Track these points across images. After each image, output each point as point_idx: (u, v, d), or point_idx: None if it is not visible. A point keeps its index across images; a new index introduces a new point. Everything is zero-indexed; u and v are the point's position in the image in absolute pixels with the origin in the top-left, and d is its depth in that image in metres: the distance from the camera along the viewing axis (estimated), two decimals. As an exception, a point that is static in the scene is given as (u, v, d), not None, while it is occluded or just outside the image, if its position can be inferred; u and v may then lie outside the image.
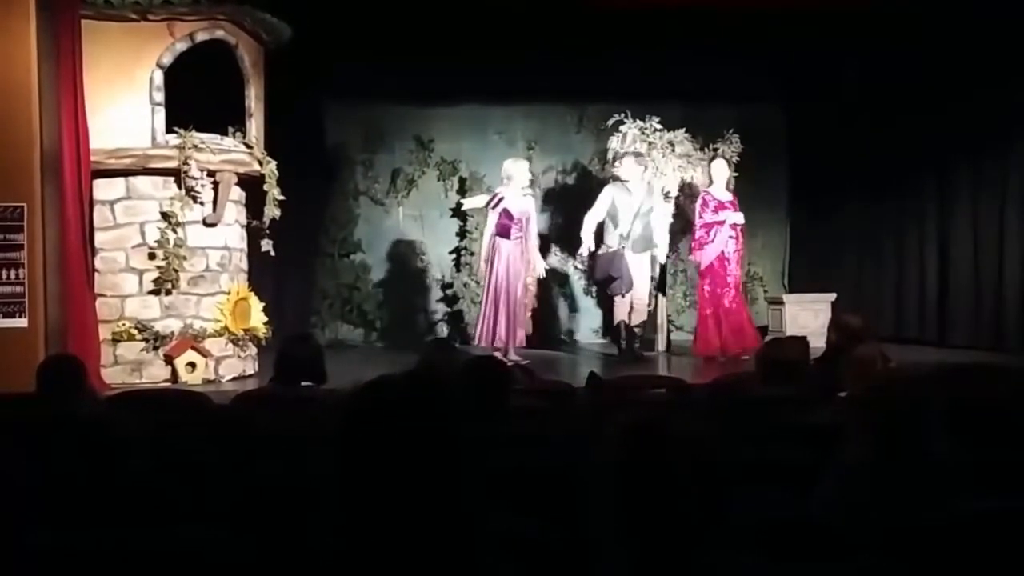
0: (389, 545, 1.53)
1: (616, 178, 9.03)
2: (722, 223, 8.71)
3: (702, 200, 8.84)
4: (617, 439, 1.72)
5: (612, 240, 8.78)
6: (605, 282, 8.92)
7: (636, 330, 8.99)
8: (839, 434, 2.72)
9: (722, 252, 8.73)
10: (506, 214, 8.26)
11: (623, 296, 8.78)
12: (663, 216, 9.21)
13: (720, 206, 8.76)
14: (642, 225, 8.81)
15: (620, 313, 8.85)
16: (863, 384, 3.73)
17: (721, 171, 8.90)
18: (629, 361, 8.68)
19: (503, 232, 8.28)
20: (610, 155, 9.86)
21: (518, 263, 8.33)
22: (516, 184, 8.36)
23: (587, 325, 11.47)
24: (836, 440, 2.72)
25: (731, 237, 8.77)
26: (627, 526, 1.66)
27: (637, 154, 9.04)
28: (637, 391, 5.09)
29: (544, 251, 11.24)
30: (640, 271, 8.86)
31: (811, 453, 2.91)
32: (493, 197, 8.50)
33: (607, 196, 8.86)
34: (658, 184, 9.27)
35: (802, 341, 4.82)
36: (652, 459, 1.67)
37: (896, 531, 2.27)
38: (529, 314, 8.67)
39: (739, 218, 8.78)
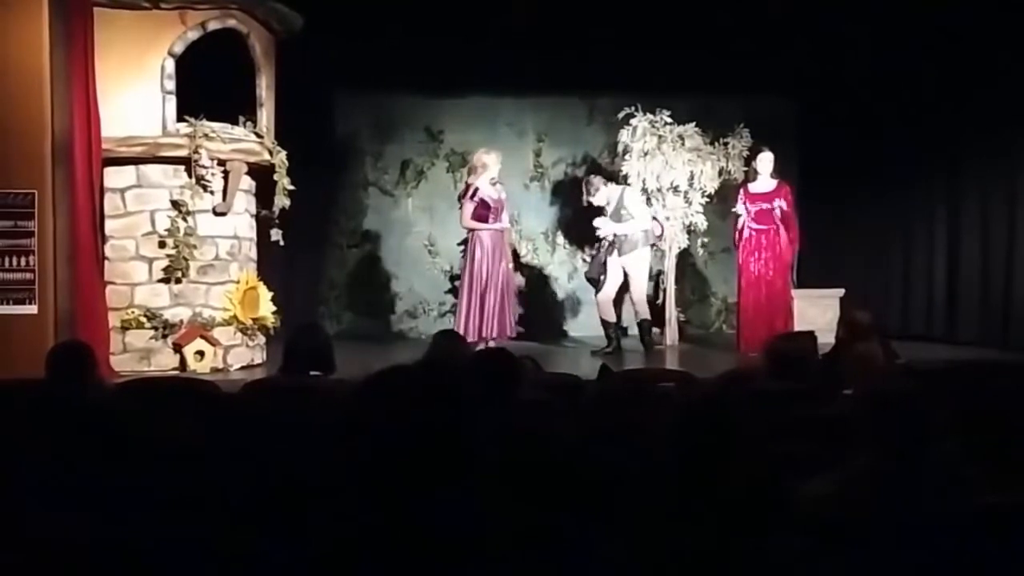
0: (398, 533, 1.54)
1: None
2: (751, 216, 8.43)
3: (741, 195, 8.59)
4: (683, 430, 1.71)
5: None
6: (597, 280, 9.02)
7: (645, 323, 8.99)
8: (844, 430, 2.72)
9: (749, 245, 8.42)
10: (483, 204, 8.26)
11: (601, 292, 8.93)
12: (640, 213, 9.01)
13: (751, 198, 8.47)
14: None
15: (602, 311, 8.98)
16: (864, 381, 3.74)
17: (763, 163, 8.49)
18: (647, 351, 8.80)
19: (481, 220, 8.28)
20: (620, 148, 9.83)
21: (498, 252, 8.33)
22: (488, 174, 8.34)
23: (588, 319, 11.40)
24: (841, 436, 2.72)
25: (754, 231, 8.41)
26: (689, 512, 1.66)
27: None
28: (647, 384, 5.08)
29: (553, 244, 11.31)
30: (616, 271, 8.90)
31: (816, 448, 2.91)
32: (467, 188, 8.47)
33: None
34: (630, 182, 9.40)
35: (810, 336, 4.81)
36: (719, 448, 1.67)
37: (903, 528, 2.27)
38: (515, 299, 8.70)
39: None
